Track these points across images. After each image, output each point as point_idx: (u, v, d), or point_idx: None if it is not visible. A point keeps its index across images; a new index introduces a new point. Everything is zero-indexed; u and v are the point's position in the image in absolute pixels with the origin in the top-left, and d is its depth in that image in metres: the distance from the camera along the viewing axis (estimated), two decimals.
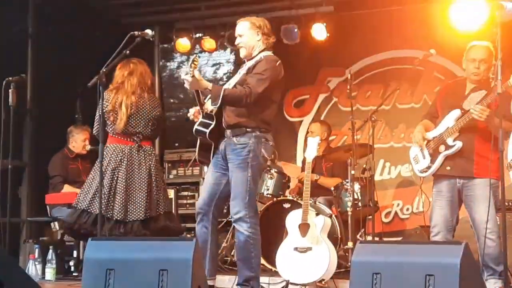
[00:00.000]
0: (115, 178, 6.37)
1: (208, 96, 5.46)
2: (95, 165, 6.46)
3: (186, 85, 5.36)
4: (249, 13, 9.17)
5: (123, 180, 6.37)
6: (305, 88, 9.63)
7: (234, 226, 5.75)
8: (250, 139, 5.49)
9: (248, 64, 5.58)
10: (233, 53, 10.31)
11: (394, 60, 8.98)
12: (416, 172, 5.97)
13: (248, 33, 5.62)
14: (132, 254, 4.53)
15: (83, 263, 4.57)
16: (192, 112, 5.68)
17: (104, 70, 5.57)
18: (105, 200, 6.26)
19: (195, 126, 5.60)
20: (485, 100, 5.40)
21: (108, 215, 6.27)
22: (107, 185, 6.34)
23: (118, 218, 6.31)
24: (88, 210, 6.36)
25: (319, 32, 8.97)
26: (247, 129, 5.50)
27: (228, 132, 5.52)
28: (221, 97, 5.31)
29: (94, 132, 6.56)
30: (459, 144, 5.62)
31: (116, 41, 5.75)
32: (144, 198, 6.40)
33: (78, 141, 7.99)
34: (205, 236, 5.64)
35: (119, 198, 6.33)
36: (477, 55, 5.74)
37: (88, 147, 7.90)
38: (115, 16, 9.42)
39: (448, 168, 5.71)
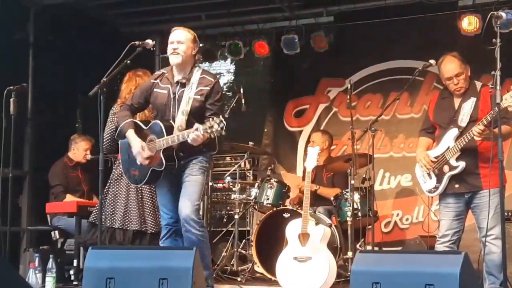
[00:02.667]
0: (140, 190, 6.40)
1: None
2: (113, 179, 6.48)
3: (194, 143, 5.33)
4: (249, 23, 9.32)
5: (148, 192, 6.41)
6: (305, 98, 9.63)
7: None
8: (206, 154, 5.63)
9: (193, 86, 5.52)
10: (233, 63, 10.33)
11: (393, 71, 8.98)
12: (424, 192, 5.98)
13: (189, 44, 5.64)
14: (132, 263, 4.55)
15: (83, 272, 4.58)
16: (146, 155, 5.58)
17: (105, 79, 5.58)
18: (136, 215, 6.32)
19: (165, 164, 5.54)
20: (486, 117, 5.41)
21: (143, 229, 6.32)
22: (133, 198, 6.36)
23: (153, 231, 6.34)
24: (123, 228, 6.38)
25: (319, 42, 9.00)
26: (204, 149, 5.57)
27: (185, 155, 5.56)
28: (218, 144, 5.46)
29: (104, 147, 6.50)
30: (462, 165, 5.65)
31: (117, 50, 5.76)
32: (152, 211, 6.46)
33: (80, 149, 7.99)
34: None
35: (148, 211, 6.38)
36: (452, 72, 5.79)
37: (89, 156, 7.91)
38: (116, 25, 9.45)
39: (457, 186, 5.74)
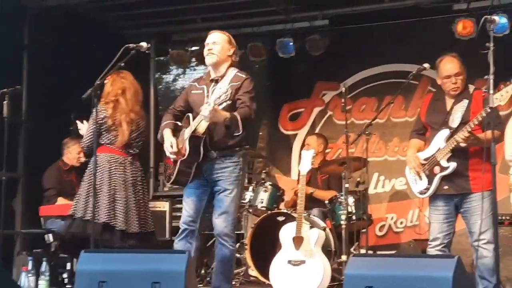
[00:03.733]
0: (113, 186, 6.36)
1: (198, 120, 5.46)
2: (86, 174, 6.44)
3: (205, 120, 5.36)
4: (245, 26, 9.33)
5: (122, 188, 6.37)
6: (300, 101, 9.65)
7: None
8: (239, 157, 5.61)
9: (226, 82, 5.51)
10: None
11: (388, 74, 8.98)
12: (415, 194, 5.98)
13: (224, 45, 5.68)
14: (124, 266, 4.53)
15: (76, 276, 4.56)
16: (172, 150, 5.63)
17: (98, 82, 5.59)
18: (106, 209, 6.26)
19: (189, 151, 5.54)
20: (472, 122, 5.43)
21: (112, 223, 6.28)
22: (106, 192, 6.32)
23: (122, 228, 6.30)
24: (95, 220, 6.33)
25: (314, 46, 9.01)
26: (236, 148, 5.60)
27: (214, 153, 5.55)
28: (240, 124, 5.38)
29: (83, 145, 6.51)
30: (453, 165, 5.65)
31: (112, 53, 5.77)
32: (136, 211, 6.39)
33: (73, 153, 7.98)
34: (190, 251, 5.70)
35: (119, 207, 6.31)
36: (451, 71, 5.80)
37: (83, 159, 7.88)
38: (111, 28, 9.45)
39: (446, 187, 5.74)
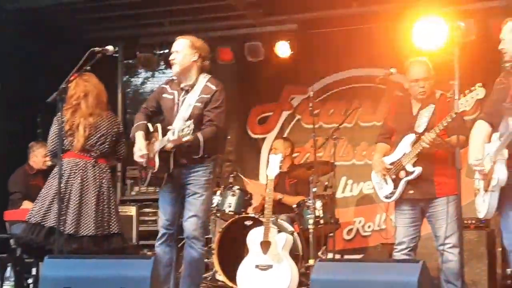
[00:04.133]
0: (68, 191, 6.30)
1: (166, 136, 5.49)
2: (49, 179, 6.38)
3: (169, 145, 5.43)
4: (213, 29, 9.31)
5: (77, 194, 6.30)
6: (269, 105, 9.65)
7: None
8: (209, 162, 5.65)
9: (196, 93, 5.58)
10: None
11: (356, 79, 9.03)
12: (381, 198, 6.00)
13: (186, 51, 5.68)
14: (89, 272, 4.51)
15: (40, 282, 4.52)
16: (140, 154, 5.69)
17: (63, 86, 5.54)
18: (56, 213, 6.20)
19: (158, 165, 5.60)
20: (438, 127, 5.47)
21: (61, 229, 6.21)
22: (60, 197, 6.27)
23: (70, 232, 6.22)
24: (41, 223, 6.26)
25: (282, 49, 9.01)
26: (206, 156, 5.62)
27: (185, 160, 5.59)
28: (202, 147, 5.46)
29: (47, 150, 6.47)
30: (418, 170, 5.68)
31: (80, 56, 5.71)
32: (94, 213, 6.32)
33: (38, 156, 7.92)
34: (171, 254, 5.72)
35: (71, 211, 6.24)
36: (419, 75, 5.84)
37: (49, 162, 7.81)
38: (79, 31, 9.37)
39: (411, 192, 5.77)
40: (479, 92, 5.08)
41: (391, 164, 5.84)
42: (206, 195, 5.64)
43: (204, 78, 5.68)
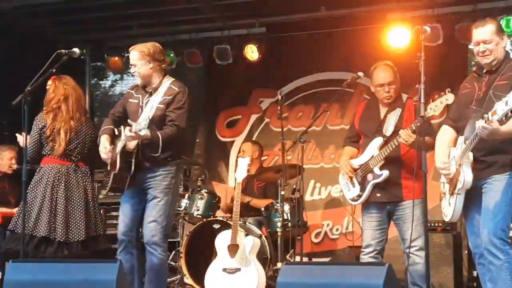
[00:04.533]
0: (55, 198, 6.27)
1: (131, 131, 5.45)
2: (31, 187, 6.32)
3: (128, 140, 5.47)
4: (181, 33, 9.29)
5: (63, 200, 6.28)
6: (238, 108, 9.64)
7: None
8: (172, 166, 5.67)
9: (159, 95, 5.64)
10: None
11: (325, 82, 9.05)
12: (347, 200, 6.03)
13: (139, 63, 5.74)
14: (55, 276, 4.48)
15: (3, 286, 4.47)
16: (105, 150, 5.71)
17: (29, 88, 5.50)
18: (46, 221, 6.17)
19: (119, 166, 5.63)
20: (411, 127, 5.49)
21: (51, 237, 6.17)
22: (47, 206, 6.23)
23: (61, 240, 6.19)
24: (32, 234, 6.22)
25: (251, 53, 9.01)
26: (169, 159, 5.64)
27: (147, 163, 5.61)
28: (160, 146, 5.48)
29: (28, 157, 6.40)
30: (386, 173, 5.72)
31: (47, 59, 5.69)
32: (83, 218, 6.32)
33: (4, 159, 7.84)
34: (132, 261, 5.69)
35: (60, 218, 6.22)
36: (384, 80, 5.88)
37: (15, 166, 7.76)
38: (46, 34, 9.30)
39: (378, 195, 5.81)
40: (448, 97, 5.12)
41: (359, 166, 5.87)
42: (166, 200, 5.64)
43: (168, 81, 5.74)
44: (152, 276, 5.63)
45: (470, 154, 4.85)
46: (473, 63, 8.21)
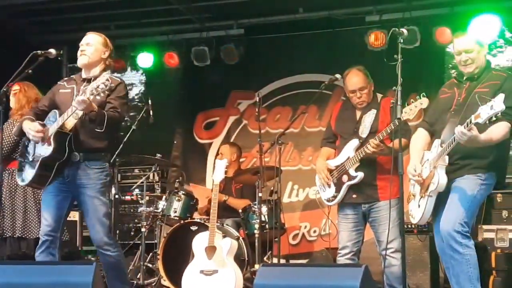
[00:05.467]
0: (27, 197, 6.32)
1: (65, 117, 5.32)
2: (9, 190, 6.37)
3: (80, 107, 5.20)
4: (159, 34, 9.27)
5: (32, 199, 6.29)
6: (216, 110, 9.62)
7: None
8: (105, 162, 5.54)
9: (99, 83, 5.20)
10: (144, 74, 10.23)
11: (303, 84, 9.06)
12: (323, 201, 6.04)
13: (98, 47, 5.62)
14: (28, 279, 4.43)
15: None
16: (35, 129, 5.41)
17: (4, 90, 5.45)
18: (21, 221, 6.19)
19: (49, 148, 5.35)
20: (381, 134, 5.53)
21: (25, 235, 6.19)
22: (22, 205, 6.29)
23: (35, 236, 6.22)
24: (23, 236, 6.23)
25: (229, 54, 9.00)
26: (101, 153, 5.52)
27: (79, 155, 5.45)
28: (106, 121, 5.29)
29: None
30: (361, 175, 5.74)
31: (23, 60, 5.61)
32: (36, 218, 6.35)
33: None
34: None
35: (31, 216, 6.24)
36: (355, 85, 5.91)
37: None
38: (23, 35, 9.23)
39: (354, 196, 5.83)
40: (423, 101, 5.17)
41: (335, 167, 5.88)
42: (104, 198, 5.52)
43: (107, 74, 5.48)
44: (114, 274, 5.56)
45: (446, 157, 4.89)
46: (450, 65, 8.27)
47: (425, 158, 5.05)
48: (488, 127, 4.63)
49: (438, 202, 4.97)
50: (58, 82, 5.83)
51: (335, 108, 6.29)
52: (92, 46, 5.60)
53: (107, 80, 5.11)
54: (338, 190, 5.85)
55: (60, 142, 5.32)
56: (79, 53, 5.62)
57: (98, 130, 5.33)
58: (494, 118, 4.45)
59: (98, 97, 5.14)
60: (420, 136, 5.25)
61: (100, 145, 5.46)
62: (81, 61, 5.60)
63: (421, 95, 5.18)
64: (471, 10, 7.91)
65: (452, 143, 4.77)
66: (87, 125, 5.35)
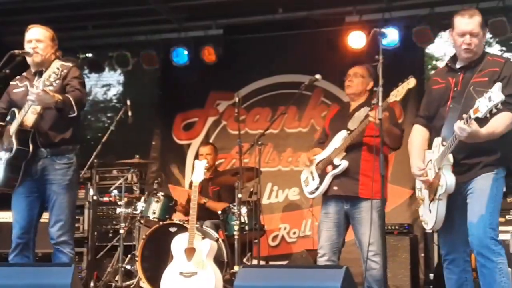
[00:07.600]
0: None
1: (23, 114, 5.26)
2: None
3: (35, 103, 5.16)
4: (137, 34, 9.21)
5: None
6: (194, 111, 9.56)
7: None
8: (72, 157, 5.47)
9: (50, 73, 5.15)
10: (121, 75, 10.18)
11: (282, 85, 9.02)
12: (306, 194, 6.01)
13: (48, 42, 5.56)
14: (7, 281, 4.37)
15: None
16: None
17: None
18: None
19: (16, 147, 5.31)
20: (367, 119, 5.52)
21: None
22: None
23: None
24: None
25: (208, 55, 8.96)
26: (69, 147, 5.46)
27: (46, 151, 5.39)
28: (74, 104, 5.22)
29: None
30: (344, 163, 5.69)
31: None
32: None
33: None
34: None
35: None
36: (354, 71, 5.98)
37: None
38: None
39: (335, 188, 5.76)
40: (410, 82, 5.15)
41: (321, 160, 5.85)
42: (70, 195, 5.43)
43: (57, 63, 5.38)
44: None
45: (450, 156, 4.58)
46: (429, 66, 8.29)
47: (427, 159, 4.78)
48: (489, 119, 4.33)
49: (449, 204, 4.63)
50: (10, 82, 5.75)
51: (331, 112, 6.30)
52: (43, 42, 5.54)
53: (57, 68, 5.07)
54: (321, 181, 5.81)
55: (23, 140, 5.28)
56: (29, 49, 5.50)
57: (72, 115, 5.26)
58: (494, 110, 4.17)
59: (51, 87, 5.05)
60: (417, 134, 4.96)
61: (65, 136, 5.40)
62: (35, 59, 5.51)
63: (409, 76, 5.16)
64: (451, 11, 7.91)
65: (454, 141, 4.48)
66: (48, 118, 5.31)
